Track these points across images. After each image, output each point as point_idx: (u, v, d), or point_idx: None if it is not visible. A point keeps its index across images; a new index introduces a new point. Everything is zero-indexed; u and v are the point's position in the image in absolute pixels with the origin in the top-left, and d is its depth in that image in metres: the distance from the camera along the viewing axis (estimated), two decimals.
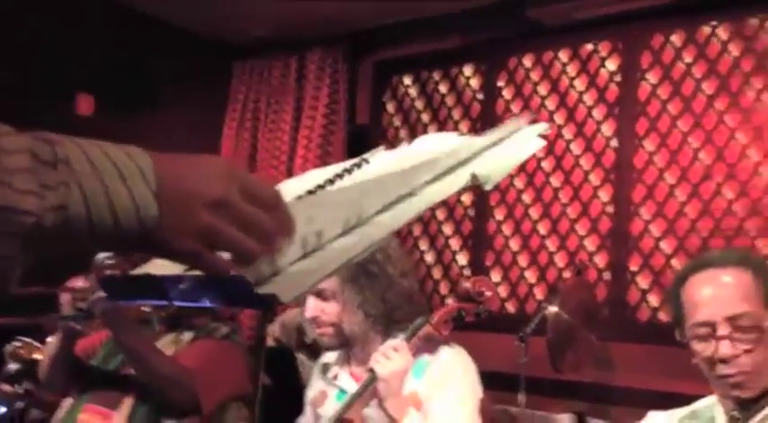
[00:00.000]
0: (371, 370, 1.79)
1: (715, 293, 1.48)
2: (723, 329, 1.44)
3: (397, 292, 1.90)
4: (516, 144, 0.91)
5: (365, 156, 1.03)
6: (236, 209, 0.68)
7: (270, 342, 2.93)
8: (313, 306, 1.92)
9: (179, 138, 3.68)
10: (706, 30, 3.36)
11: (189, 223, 0.66)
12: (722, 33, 3.33)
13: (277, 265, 0.71)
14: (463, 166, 0.89)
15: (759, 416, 1.43)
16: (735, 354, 1.44)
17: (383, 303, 1.86)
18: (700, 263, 1.59)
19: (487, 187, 0.87)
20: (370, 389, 1.79)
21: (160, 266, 0.77)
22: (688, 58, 3.39)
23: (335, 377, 2.02)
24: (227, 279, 0.70)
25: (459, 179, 0.86)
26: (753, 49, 3.24)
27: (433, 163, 0.86)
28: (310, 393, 2.08)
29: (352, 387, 1.92)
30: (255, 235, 0.69)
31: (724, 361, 1.44)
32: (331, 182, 0.92)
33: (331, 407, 1.94)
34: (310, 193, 0.91)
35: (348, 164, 0.98)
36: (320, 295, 1.92)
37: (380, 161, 1.01)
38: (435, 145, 1.01)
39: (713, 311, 1.46)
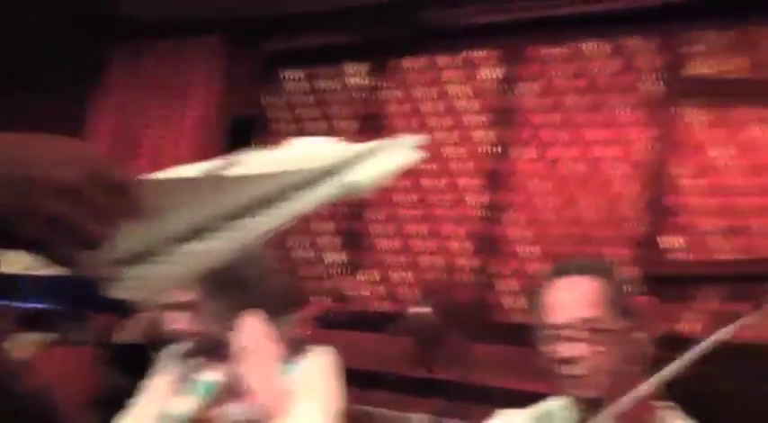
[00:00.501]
0: (235, 365, 1.77)
1: (568, 298, 1.58)
2: (572, 331, 1.53)
3: (263, 296, 1.89)
4: (392, 154, 0.92)
5: (235, 155, 1.02)
6: (83, 195, 0.66)
7: (130, 338, 2.86)
8: (176, 318, 1.88)
9: (44, 122, 3.50)
10: (585, 46, 3.50)
11: (32, 210, 0.64)
12: (600, 50, 3.48)
13: (130, 265, 0.70)
14: (338, 173, 0.89)
15: (603, 415, 1.52)
16: (582, 355, 1.52)
17: (248, 309, 1.84)
18: (559, 269, 1.68)
19: (361, 195, 0.88)
20: (234, 385, 1.77)
21: (9, 265, 0.74)
22: (567, 72, 3.53)
23: (199, 368, 1.98)
24: (81, 281, 0.68)
25: (333, 187, 0.87)
26: (630, 67, 3.40)
27: (306, 169, 0.86)
28: (161, 381, 2.01)
29: (216, 380, 1.89)
30: (102, 221, 0.67)
31: (571, 361, 1.53)
32: (197, 181, 0.90)
33: (190, 399, 1.90)
34: (174, 190, 0.89)
35: (217, 163, 0.97)
36: (182, 307, 1.88)
37: (251, 162, 1.00)
38: (311, 150, 1.01)
39: (564, 314, 1.55)
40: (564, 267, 1.68)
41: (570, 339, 1.55)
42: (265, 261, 1.95)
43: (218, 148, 3.97)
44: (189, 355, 1.98)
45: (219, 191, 0.86)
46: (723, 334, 1.53)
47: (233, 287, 1.84)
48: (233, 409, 1.79)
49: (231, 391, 1.77)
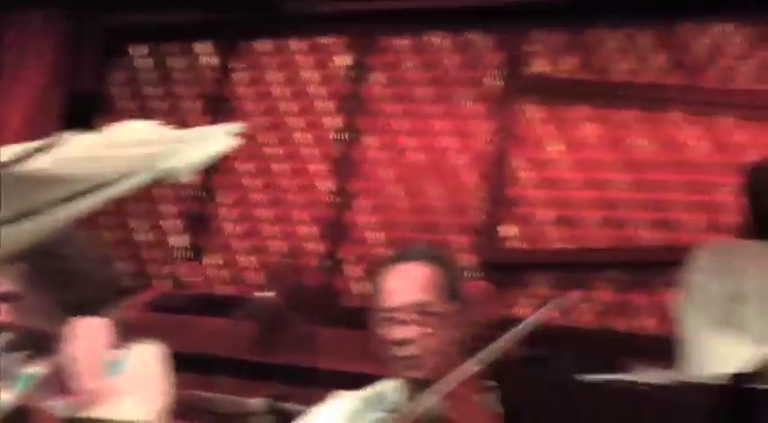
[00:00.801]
0: (59, 358, 1.72)
1: (401, 283, 1.66)
2: (402, 315, 1.60)
3: (89, 286, 1.83)
4: (209, 142, 0.93)
5: (60, 137, 0.99)
6: None
7: None
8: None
9: None
10: (433, 39, 3.59)
11: None
12: (447, 44, 3.58)
13: None
14: (156, 159, 0.89)
15: (430, 394, 1.59)
16: (412, 337, 1.59)
17: (73, 300, 1.79)
18: (396, 256, 1.76)
19: (175, 181, 0.88)
20: (57, 378, 1.71)
21: None
22: (415, 63, 3.61)
23: (23, 360, 1.90)
24: None
25: (150, 173, 0.87)
26: (475, 62, 3.52)
27: (122, 155, 0.86)
28: None
29: (37, 373, 1.82)
30: None
31: (402, 342, 1.60)
32: (10, 164, 0.88)
33: (9, 392, 1.82)
34: None
35: (35, 145, 0.94)
36: (2, 299, 1.79)
37: (74, 145, 0.97)
38: (133, 134, 1.00)
39: (396, 299, 1.63)
40: (400, 254, 1.77)
41: (402, 322, 1.63)
42: (90, 249, 1.89)
43: (54, 125, 3.78)
44: (10, 347, 1.90)
45: (36, 177, 0.84)
46: (538, 317, 1.63)
47: (55, 279, 1.78)
48: (56, 402, 1.73)
49: (54, 385, 1.71)
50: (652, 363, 2.35)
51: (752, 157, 2.97)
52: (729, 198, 2.94)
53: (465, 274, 3.28)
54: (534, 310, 3.16)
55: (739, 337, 2.14)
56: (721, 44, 3.22)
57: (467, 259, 3.34)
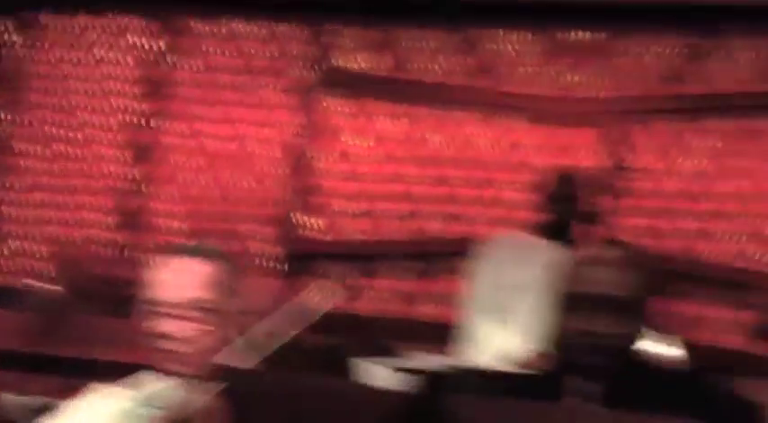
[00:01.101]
0: None
1: (173, 278, 1.61)
2: (176, 310, 1.56)
3: None
4: None
5: None
6: None
7: None
8: None
9: None
10: (242, 27, 3.52)
11: None
12: (256, 33, 3.53)
13: None
14: None
15: (199, 388, 1.56)
16: (184, 333, 1.55)
17: None
18: (172, 250, 1.71)
19: None
20: None
21: None
22: (222, 51, 3.53)
23: None
24: None
25: None
26: (283, 53, 3.49)
27: None
28: None
29: None
30: None
31: (172, 338, 1.55)
32: None
33: None
34: None
35: None
36: None
37: None
38: None
39: (171, 293, 1.58)
40: (178, 249, 1.73)
41: (174, 317, 1.58)
42: None
43: None
44: None
45: None
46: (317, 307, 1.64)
47: None
48: None
49: None
50: (436, 349, 2.43)
51: (541, 158, 3.16)
52: (518, 195, 3.10)
53: (263, 264, 3.26)
54: (335, 300, 3.21)
55: (512, 328, 2.25)
56: (519, 52, 3.39)
57: (268, 249, 3.33)
